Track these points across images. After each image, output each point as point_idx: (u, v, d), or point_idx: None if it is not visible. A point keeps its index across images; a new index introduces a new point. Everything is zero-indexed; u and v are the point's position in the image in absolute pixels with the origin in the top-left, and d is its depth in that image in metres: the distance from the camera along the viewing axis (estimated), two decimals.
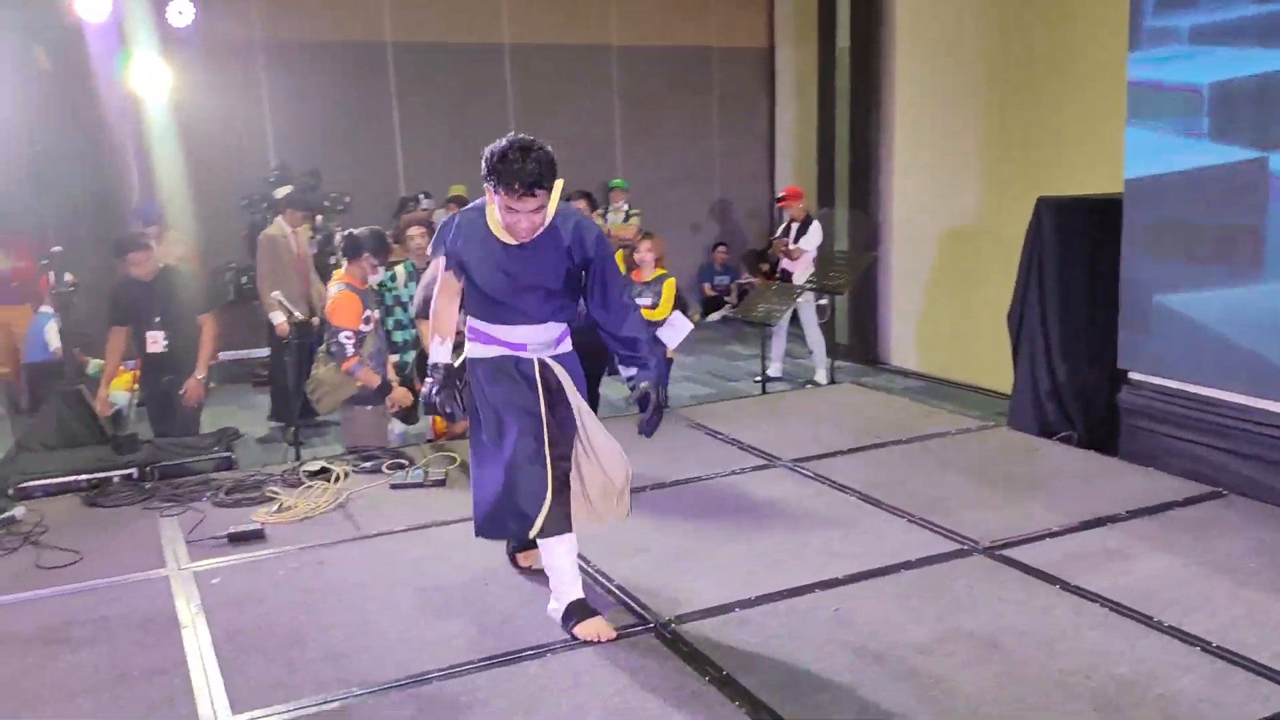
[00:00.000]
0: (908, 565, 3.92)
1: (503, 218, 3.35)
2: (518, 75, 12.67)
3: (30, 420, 6.09)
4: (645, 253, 6.90)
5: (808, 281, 8.71)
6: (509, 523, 3.48)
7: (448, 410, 3.59)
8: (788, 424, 5.92)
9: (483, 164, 3.29)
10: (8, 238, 8.45)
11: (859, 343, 10.40)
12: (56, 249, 5.96)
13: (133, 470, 5.15)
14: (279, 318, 6.80)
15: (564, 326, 3.64)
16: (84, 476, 5.04)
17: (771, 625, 3.49)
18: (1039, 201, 5.94)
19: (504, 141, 3.28)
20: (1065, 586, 3.69)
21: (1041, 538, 4.14)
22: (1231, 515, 4.31)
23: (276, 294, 6.44)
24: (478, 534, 3.61)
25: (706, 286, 13.24)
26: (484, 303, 3.51)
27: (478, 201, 3.54)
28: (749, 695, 3.04)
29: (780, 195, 10.08)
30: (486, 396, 3.51)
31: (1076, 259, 5.77)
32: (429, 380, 3.60)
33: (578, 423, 3.52)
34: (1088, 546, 4.04)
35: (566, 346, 3.66)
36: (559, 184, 3.38)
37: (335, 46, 11.52)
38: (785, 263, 9.40)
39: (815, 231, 9.44)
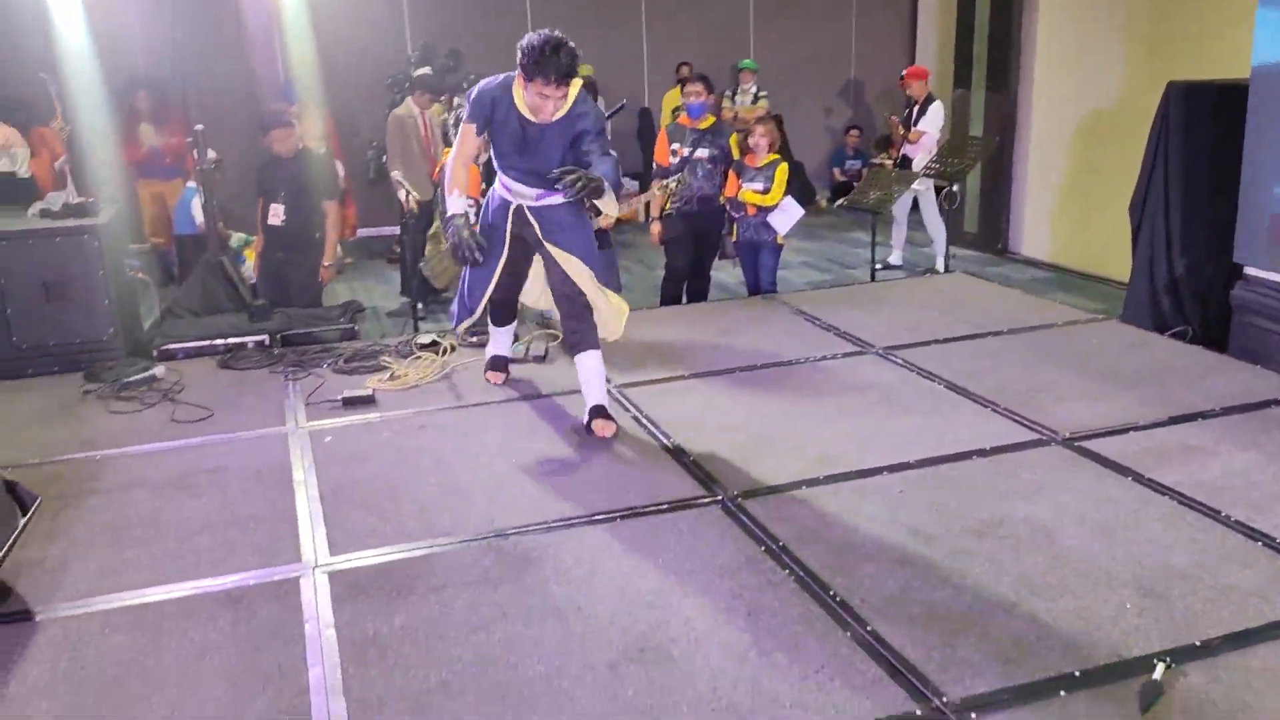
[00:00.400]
0: (981, 453, 3.97)
1: (530, 99, 4.01)
2: None
3: (178, 289, 6.58)
4: (759, 138, 6.86)
5: (926, 167, 8.48)
6: (462, 309, 4.61)
7: (468, 253, 4.23)
8: (890, 312, 5.93)
9: (519, 53, 3.86)
10: (161, 115, 8.96)
11: (987, 232, 10.14)
12: (199, 127, 6.33)
13: (264, 337, 5.57)
14: (403, 195, 7.10)
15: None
16: (220, 341, 5.48)
17: (834, 503, 3.62)
18: (1168, 86, 5.66)
19: (539, 37, 3.86)
20: (1138, 479, 3.69)
21: (1126, 431, 4.12)
22: None
23: (396, 174, 6.72)
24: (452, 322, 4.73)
25: (836, 171, 13.01)
26: (500, 161, 4.27)
27: (503, 78, 4.16)
28: (801, 564, 3.20)
29: (901, 75, 9.77)
30: (483, 224, 4.42)
31: (1202, 147, 5.50)
32: (449, 231, 4.25)
33: (543, 253, 4.34)
34: (1171, 441, 4.00)
35: (553, 200, 4.24)
36: (579, 80, 4.08)
37: None
38: (907, 147, 9.18)
39: (934, 113, 9.13)
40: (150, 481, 3.93)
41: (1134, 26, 8.47)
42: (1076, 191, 9.27)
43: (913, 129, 9.06)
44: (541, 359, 5.18)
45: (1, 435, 4.43)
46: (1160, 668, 2.61)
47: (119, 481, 3.93)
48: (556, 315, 4.64)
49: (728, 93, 11.87)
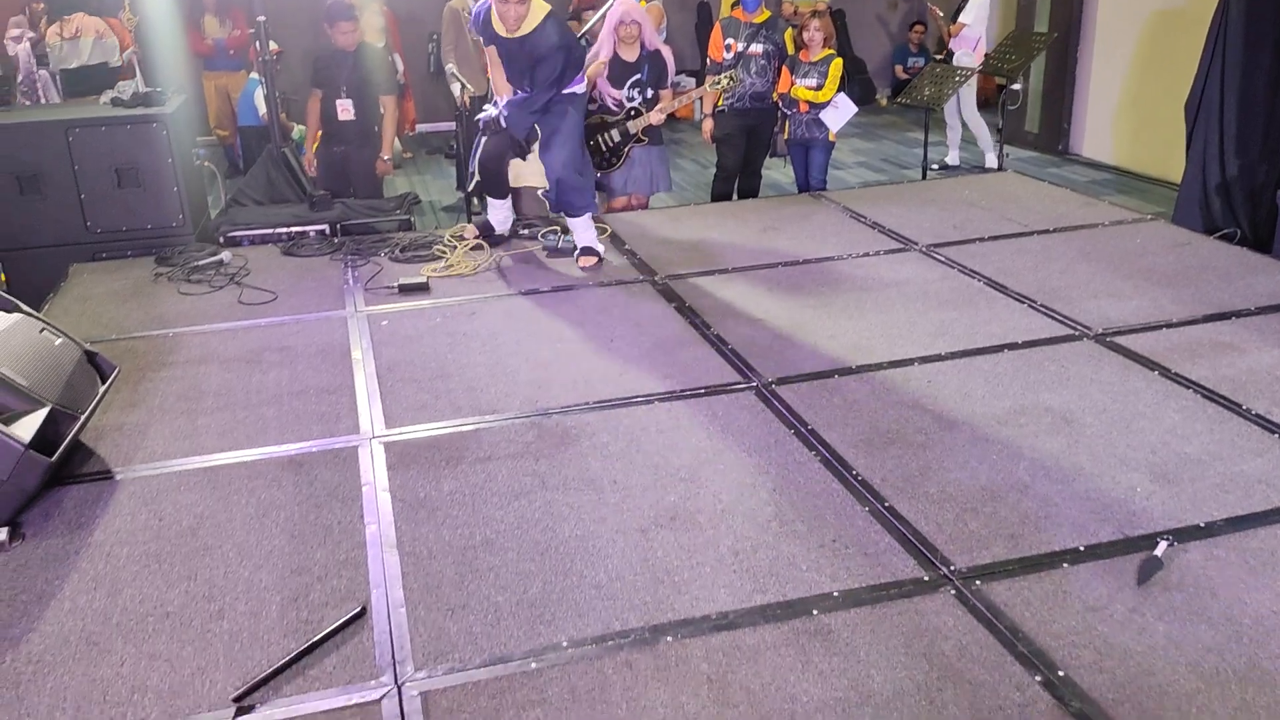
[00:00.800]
0: (1012, 346, 4.07)
1: (497, 8, 4.78)
2: None
3: (242, 179, 6.80)
4: (814, 32, 6.83)
5: (985, 61, 8.35)
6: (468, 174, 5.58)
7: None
8: (936, 210, 5.96)
9: None
10: (224, 7, 9.10)
11: (1048, 133, 9.98)
12: (261, 19, 6.46)
13: (325, 226, 5.78)
14: (456, 89, 7.19)
15: (552, 92, 4.98)
16: (283, 230, 5.70)
17: (864, 391, 3.76)
18: None
19: None
20: (1164, 373, 3.78)
21: (1158, 328, 4.19)
22: None
23: (450, 66, 6.80)
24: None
25: (899, 69, 12.79)
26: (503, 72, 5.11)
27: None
28: (827, 446, 3.37)
29: None
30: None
31: (1262, 45, 5.40)
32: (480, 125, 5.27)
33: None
34: (1201, 338, 4.06)
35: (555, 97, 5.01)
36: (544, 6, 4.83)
37: None
38: (951, 41, 9.03)
39: (975, 5, 8.93)
40: (220, 357, 4.18)
41: None
42: (1141, 92, 9.08)
43: (954, 22, 8.92)
44: (555, 249, 5.33)
45: (80, 313, 4.71)
46: (1162, 545, 2.75)
47: (192, 356, 4.20)
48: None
49: None
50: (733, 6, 9.77)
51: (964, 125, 9.26)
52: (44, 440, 3.08)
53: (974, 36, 8.75)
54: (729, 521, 2.97)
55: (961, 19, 8.85)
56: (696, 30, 12.40)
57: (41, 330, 3.44)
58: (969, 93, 8.75)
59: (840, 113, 6.84)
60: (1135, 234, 5.40)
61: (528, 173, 5.35)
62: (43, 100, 8.36)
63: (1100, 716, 2.19)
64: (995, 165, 8.71)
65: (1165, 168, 8.46)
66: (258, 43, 6.65)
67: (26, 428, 3.05)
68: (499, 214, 5.55)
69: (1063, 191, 6.33)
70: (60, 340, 3.46)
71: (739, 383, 3.87)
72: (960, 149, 9.47)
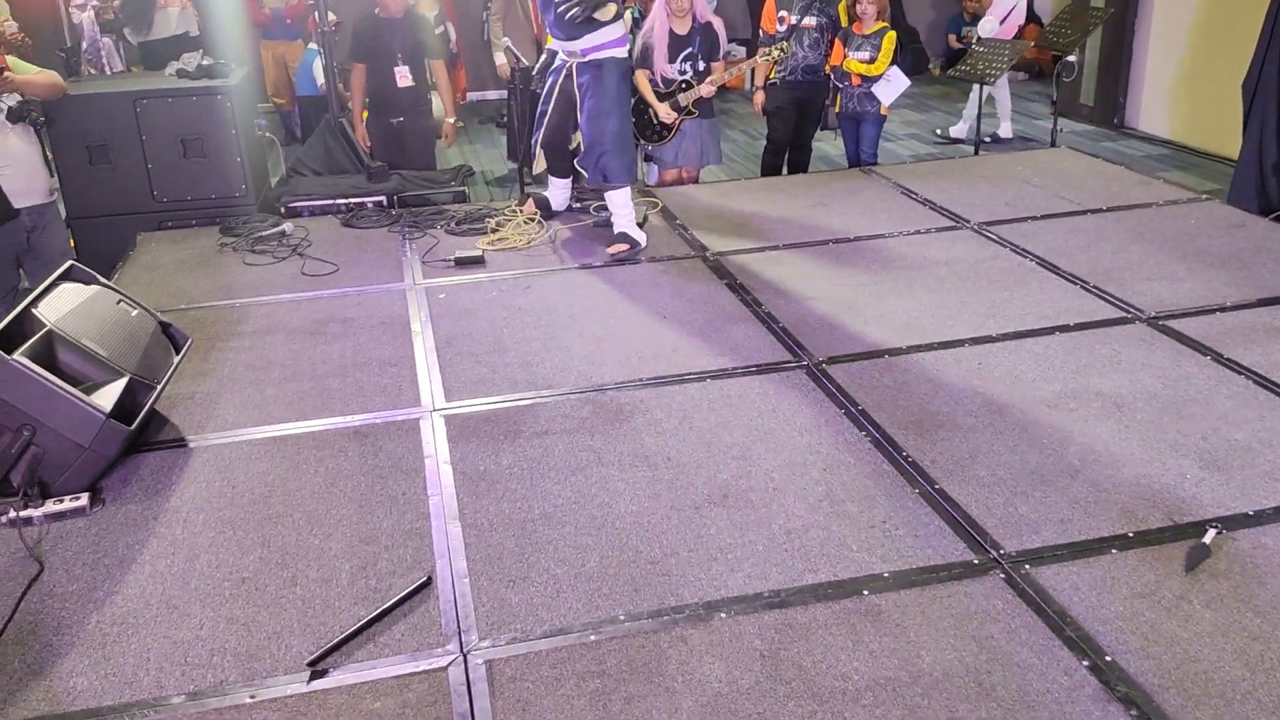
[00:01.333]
0: (1064, 329, 4.09)
1: None
2: None
3: (301, 148, 6.92)
4: (867, 4, 6.80)
5: (1040, 36, 8.27)
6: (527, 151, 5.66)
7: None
8: (989, 187, 5.95)
9: None
10: None
11: (1104, 106, 9.85)
12: None
13: (382, 198, 5.89)
14: (500, 59, 7.24)
15: (587, 42, 4.90)
16: (342, 201, 5.82)
17: (915, 371, 3.81)
18: None
19: None
20: (1217, 358, 3.79)
21: (1212, 311, 4.18)
22: None
23: (506, 40, 6.86)
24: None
25: (953, 38, 12.61)
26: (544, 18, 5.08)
27: None
28: (877, 427, 3.42)
29: None
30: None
31: None
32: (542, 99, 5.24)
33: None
34: (1255, 323, 4.06)
35: (590, 56, 4.96)
36: None
37: None
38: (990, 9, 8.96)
39: None
40: (286, 328, 4.31)
41: None
42: (1198, 67, 8.93)
43: None
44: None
45: (149, 282, 4.86)
46: (1210, 533, 2.79)
47: (259, 327, 4.33)
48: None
49: None
50: None
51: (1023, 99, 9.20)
52: (122, 409, 3.22)
53: (1005, 7, 8.67)
54: (780, 500, 3.04)
55: None
56: (749, 1, 12.32)
57: (119, 302, 3.57)
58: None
59: (893, 86, 6.82)
60: (1189, 214, 5.36)
61: None
62: (107, 68, 8.52)
63: (1146, 702, 2.25)
64: (1008, 135, 8.78)
65: (1222, 143, 8.34)
66: (316, 13, 6.74)
67: (107, 397, 3.19)
68: (559, 194, 5.59)
69: (1118, 169, 6.28)
70: (136, 312, 3.59)
71: (789, 361, 3.93)
72: (1012, 120, 9.40)
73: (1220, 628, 2.47)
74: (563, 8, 4.80)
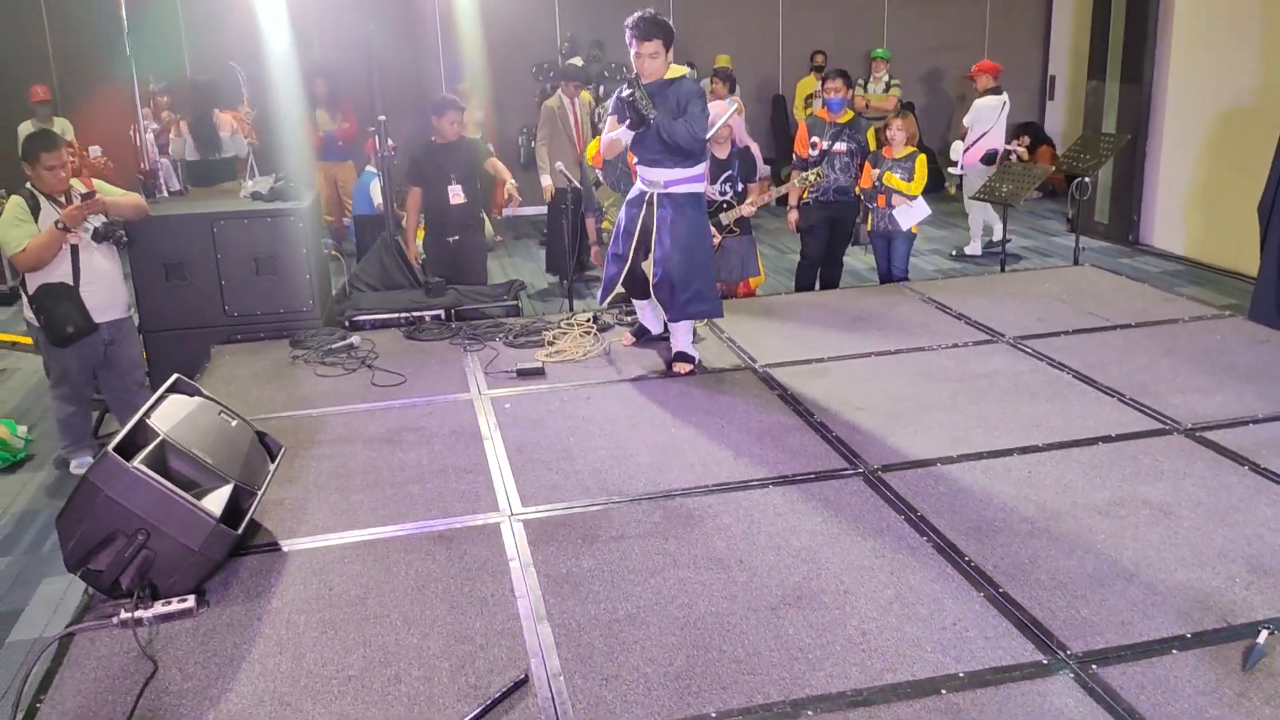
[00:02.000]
0: (1106, 439, 4.30)
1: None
2: None
3: (358, 265, 7.25)
4: (896, 131, 7.19)
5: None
6: (605, 286, 5.50)
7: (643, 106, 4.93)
8: (1018, 302, 6.22)
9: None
10: (337, 102, 9.70)
11: (1118, 224, 10.21)
12: (382, 118, 6.96)
13: (440, 311, 6.18)
14: (546, 180, 7.61)
15: (679, 172, 5.09)
16: (403, 315, 6.11)
17: (968, 480, 4.00)
18: None
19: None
20: (1254, 468, 3.98)
21: (1245, 423, 4.39)
22: None
23: (559, 165, 7.25)
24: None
25: None
26: (634, 148, 5.17)
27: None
28: (938, 533, 3.61)
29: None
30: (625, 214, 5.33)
31: None
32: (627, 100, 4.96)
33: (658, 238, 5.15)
34: None
35: (677, 190, 5.12)
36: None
37: None
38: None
39: (977, 107, 9.51)
40: (363, 436, 4.54)
41: (1271, 22, 8.46)
42: (1209, 186, 9.31)
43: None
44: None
45: (228, 394, 5.08)
46: (1264, 634, 2.95)
47: (337, 436, 4.55)
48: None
49: (859, 80, 12.13)
50: (809, 102, 10.24)
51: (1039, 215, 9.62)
52: (227, 514, 3.42)
53: (974, 136, 9.36)
54: (852, 603, 3.21)
55: (965, 120, 9.49)
56: (771, 122, 12.87)
57: (220, 413, 3.81)
58: (977, 178, 9.29)
59: (914, 213, 7.16)
60: (1215, 330, 5.61)
61: None
62: (163, 189, 8.94)
63: None
64: (977, 252, 9.27)
65: (1237, 260, 8.65)
66: (376, 138, 7.14)
67: (215, 503, 3.40)
68: (649, 315, 5.61)
69: (1140, 286, 6.56)
70: (236, 422, 3.82)
71: (846, 469, 4.13)
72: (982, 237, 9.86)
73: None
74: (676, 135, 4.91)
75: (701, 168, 5.16)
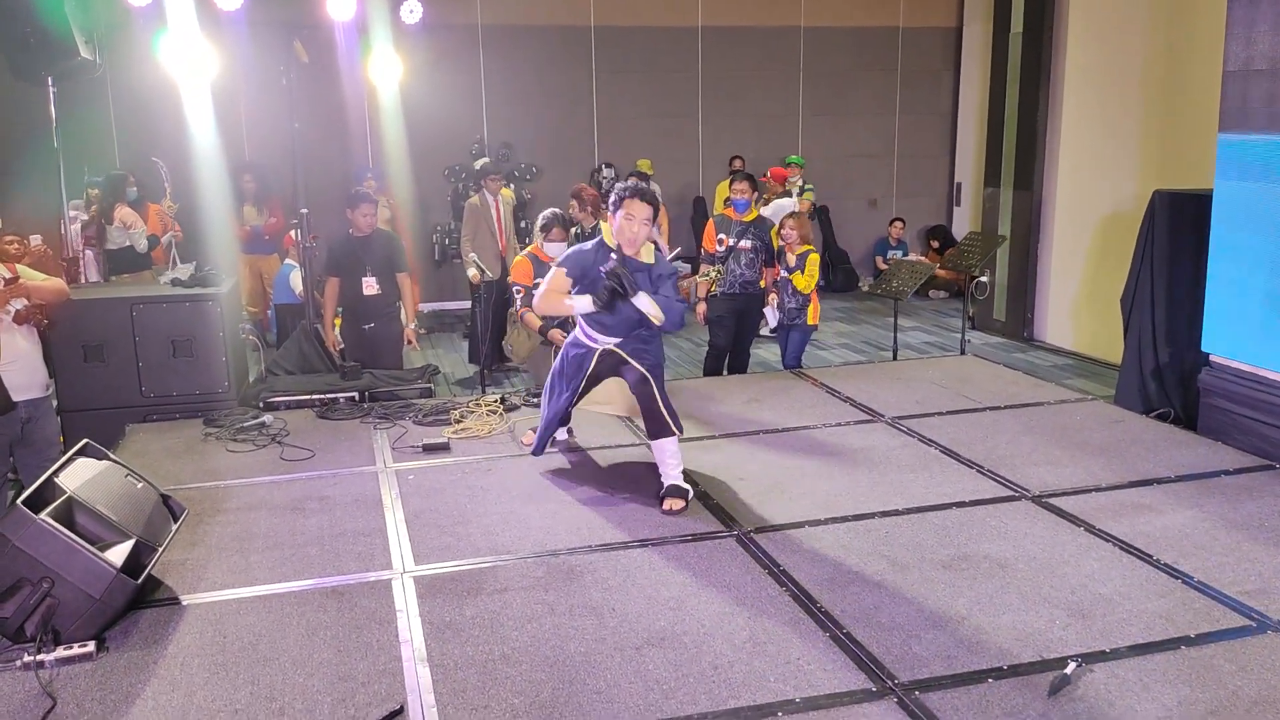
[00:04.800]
0: (960, 504, 4.67)
1: (617, 226, 4.71)
2: (709, 55, 13.55)
3: (277, 351, 7.51)
4: (788, 231, 7.67)
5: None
6: (540, 440, 5.18)
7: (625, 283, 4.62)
8: (903, 387, 6.65)
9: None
10: (265, 198, 10.06)
11: (1014, 321, 10.82)
12: (304, 210, 7.31)
13: (354, 393, 6.44)
14: (472, 272, 7.99)
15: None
16: (317, 396, 6.36)
17: (829, 540, 4.34)
18: (1154, 195, 6.40)
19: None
20: (1089, 529, 4.37)
21: (1088, 491, 4.80)
22: (1275, 484, 4.82)
23: (473, 256, 7.63)
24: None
25: (880, 260, 13.78)
26: (588, 318, 4.90)
27: (595, 241, 4.88)
28: (795, 584, 3.92)
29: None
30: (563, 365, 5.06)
31: (1184, 249, 6.21)
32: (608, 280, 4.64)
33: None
34: (1125, 501, 4.67)
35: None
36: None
37: (546, 30, 12.78)
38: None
39: (772, 209, 10.11)
40: (268, 504, 4.77)
41: (1147, 135, 9.22)
42: (1095, 284, 9.96)
43: None
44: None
45: (140, 467, 5.22)
46: (1072, 666, 3.29)
47: (242, 504, 4.78)
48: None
49: (765, 197, 12.83)
50: (726, 203, 10.81)
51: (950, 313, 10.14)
52: (129, 568, 3.64)
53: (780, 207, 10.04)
54: (710, 643, 3.50)
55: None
56: (692, 221, 13.47)
57: (126, 475, 4.04)
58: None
59: (771, 314, 7.65)
60: (1077, 412, 6.07)
61: (618, 398, 5.75)
62: (83, 277, 9.16)
63: None
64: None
65: (1115, 353, 9.21)
66: (296, 231, 7.47)
67: (117, 555, 3.61)
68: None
69: (1016, 374, 7.05)
70: (141, 484, 4.05)
71: (721, 531, 4.44)
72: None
73: None
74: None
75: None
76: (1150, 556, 4.09)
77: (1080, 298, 10.22)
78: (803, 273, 7.59)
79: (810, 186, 12.61)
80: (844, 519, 4.54)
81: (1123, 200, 9.54)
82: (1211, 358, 5.80)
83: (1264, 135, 5.35)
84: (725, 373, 7.95)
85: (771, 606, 3.76)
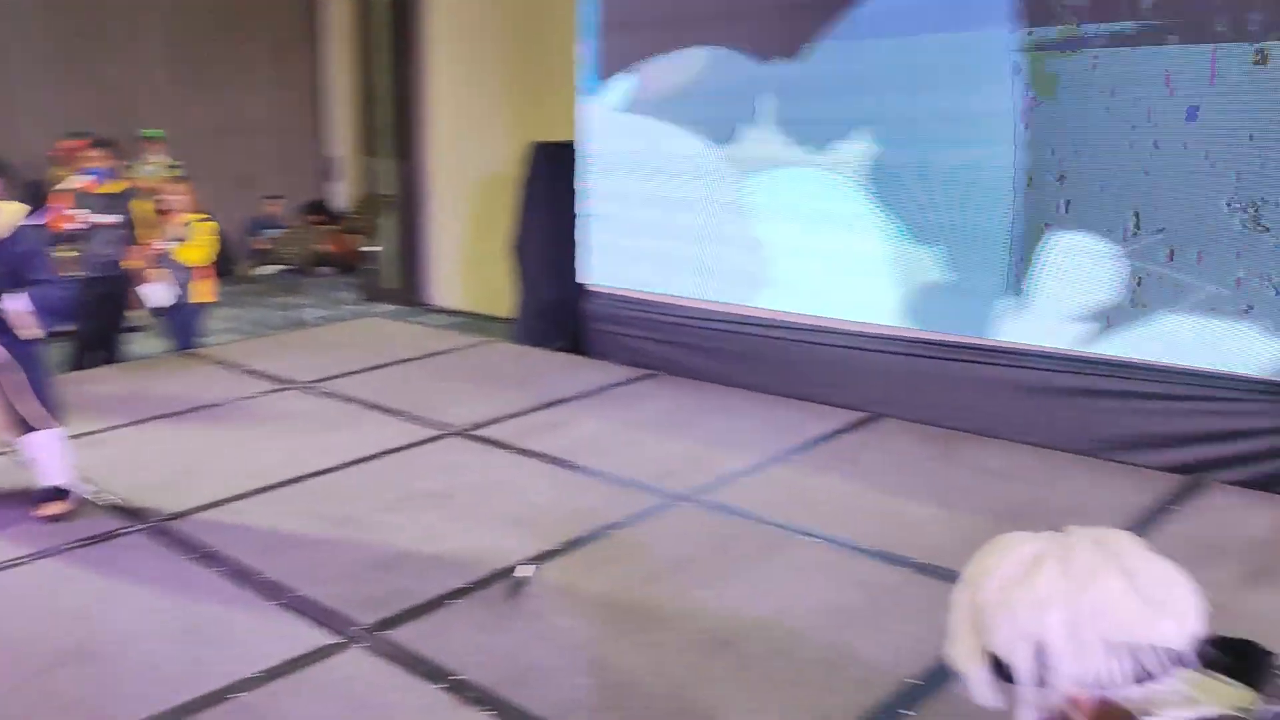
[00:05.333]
0: (393, 451, 4.60)
1: None
2: (53, 17, 11.84)
3: None
4: (172, 197, 6.97)
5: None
6: None
7: None
8: (311, 354, 6.39)
9: None
10: None
11: (406, 287, 10.99)
12: None
13: None
14: None
15: None
16: None
17: (260, 511, 4.01)
18: (533, 146, 6.82)
19: None
20: (518, 450, 4.54)
21: (507, 419, 4.99)
22: (656, 387, 5.44)
23: None
24: None
25: (258, 240, 13.15)
26: None
27: None
28: (230, 562, 3.55)
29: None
30: None
31: (564, 194, 6.68)
32: None
33: None
34: (539, 421, 4.94)
35: None
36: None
37: None
38: None
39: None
40: None
41: (514, 93, 9.82)
42: (476, 245, 10.44)
43: None
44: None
45: None
46: (520, 569, 3.38)
47: None
48: None
49: (127, 164, 11.60)
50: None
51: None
52: None
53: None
54: (140, 644, 3.04)
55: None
56: None
57: None
58: None
59: (156, 293, 6.88)
60: (481, 354, 6.32)
61: None
62: None
63: (492, 698, 2.68)
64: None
65: (500, 306, 9.76)
66: None
67: None
68: None
69: (421, 328, 7.16)
70: None
71: (127, 527, 3.88)
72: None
73: (539, 634, 3.01)
74: None
75: None
76: (573, 463, 4.35)
77: (465, 259, 10.65)
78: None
79: (177, 163, 11.64)
80: (272, 487, 4.22)
81: (498, 160, 10.06)
82: (589, 287, 6.32)
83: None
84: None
85: (205, 590, 3.37)
